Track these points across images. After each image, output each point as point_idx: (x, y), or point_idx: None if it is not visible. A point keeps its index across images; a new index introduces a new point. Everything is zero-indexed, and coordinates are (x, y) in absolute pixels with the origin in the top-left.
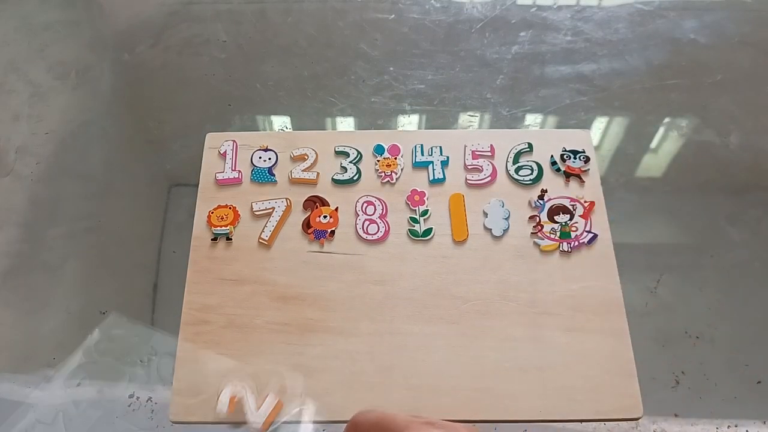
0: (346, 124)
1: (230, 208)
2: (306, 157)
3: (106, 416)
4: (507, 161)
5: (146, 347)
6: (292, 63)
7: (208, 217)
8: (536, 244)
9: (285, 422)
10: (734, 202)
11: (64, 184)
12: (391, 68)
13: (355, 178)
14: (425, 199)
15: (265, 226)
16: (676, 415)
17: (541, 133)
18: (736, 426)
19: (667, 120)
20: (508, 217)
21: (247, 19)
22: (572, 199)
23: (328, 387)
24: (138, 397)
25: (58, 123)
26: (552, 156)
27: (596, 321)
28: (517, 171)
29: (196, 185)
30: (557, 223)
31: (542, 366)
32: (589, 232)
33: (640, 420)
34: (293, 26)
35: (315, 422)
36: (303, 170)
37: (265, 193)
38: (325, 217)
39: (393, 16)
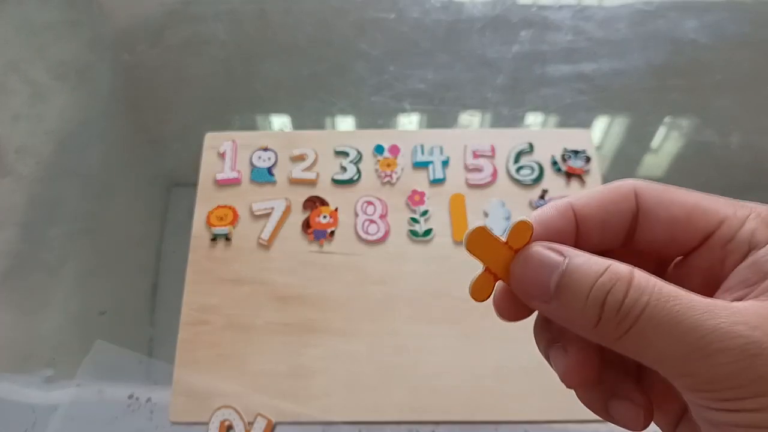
0: (346, 123)
1: (230, 208)
2: (306, 157)
3: (105, 416)
4: (508, 161)
5: (146, 347)
6: (291, 62)
7: (208, 217)
8: None
9: (285, 423)
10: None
11: (64, 184)
12: (392, 67)
13: (355, 178)
14: (425, 199)
15: (265, 226)
16: None
17: (542, 133)
18: None
19: (667, 120)
20: (509, 217)
21: (247, 18)
22: None
23: (327, 387)
24: (137, 398)
25: (58, 123)
26: (553, 156)
27: None
28: (517, 171)
29: (196, 185)
30: None
31: (542, 366)
32: None
33: None
34: (293, 26)
35: (315, 423)
36: (303, 170)
37: (264, 193)
38: (324, 217)
39: (393, 15)
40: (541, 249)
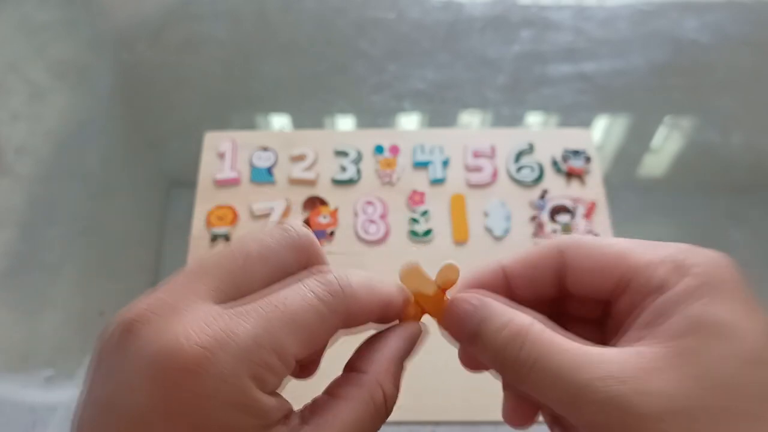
0: (345, 123)
1: (229, 208)
2: (305, 157)
3: None
4: (508, 161)
5: None
6: (291, 62)
7: (207, 217)
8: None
9: None
10: (736, 202)
11: (64, 184)
12: (392, 67)
13: (355, 178)
14: (425, 199)
15: (265, 226)
16: None
17: (542, 133)
18: None
19: (668, 119)
20: (509, 217)
21: (246, 18)
22: (574, 200)
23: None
24: None
25: (58, 123)
26: (553, 156)
27: None
28: (518, 171)
29: (196, 185)
30: (559, 223)
31: None
32: (591, 232)
33: None
34: (293, 25)
35: None
36: (302, 170)
37: (264, 193)
38: (324, 217)
39: (393, 15)
40: (460, 302)
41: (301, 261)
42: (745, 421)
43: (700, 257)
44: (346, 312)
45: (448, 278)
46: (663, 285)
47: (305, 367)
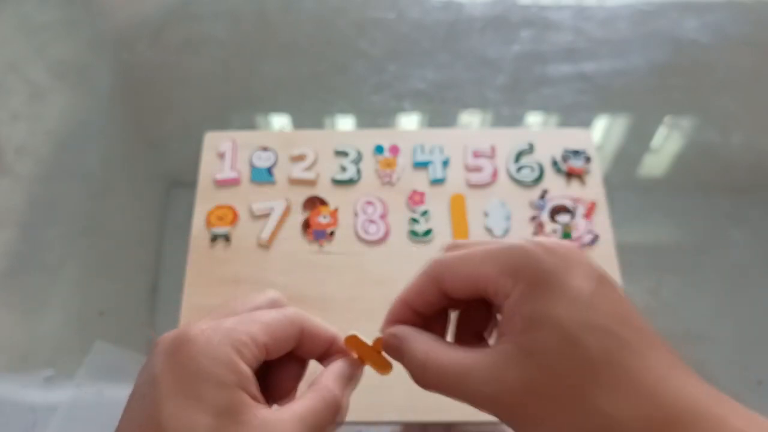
0: (346, 123)
1: (229, 208)
2: (305, 157)
3: (105, 417)
4: (508, 161)
5: (146, 347)
6: (291, 62)
7: (207, 217)
8: None
9: None
10: (736, 202)
11: (64, 184)
12: (392, 67)
13: (354, 178)
14: (425, 199)
15: (265, 226)
16: None
17: (542, 133)
18: None
19: (668, 119)
20: (509, 217)
21: (246, 18)
22: (574, 200)
23: None
24: None
25: (58, 123)
26: (553, 156)
27: None
28: (518, 171)
29: (196, 185)
30: (559, 223)
31: None
32: (591, 232)
33: None
34: (293, 25)
35: None
36: (302, 170)
37: (264, 193)
38: (324, 217)
39: (393, 15)
40: (387, 338)
41: (273, 306)
42: (566, 393)
43: (527, 259)
44: (301, 326)
45: (378, 345)
46: (507, 293)
47: (285, 395)
